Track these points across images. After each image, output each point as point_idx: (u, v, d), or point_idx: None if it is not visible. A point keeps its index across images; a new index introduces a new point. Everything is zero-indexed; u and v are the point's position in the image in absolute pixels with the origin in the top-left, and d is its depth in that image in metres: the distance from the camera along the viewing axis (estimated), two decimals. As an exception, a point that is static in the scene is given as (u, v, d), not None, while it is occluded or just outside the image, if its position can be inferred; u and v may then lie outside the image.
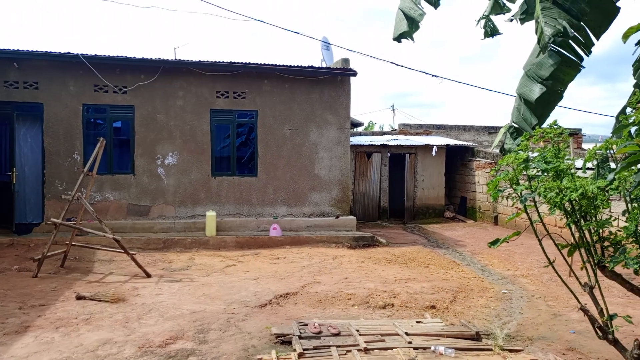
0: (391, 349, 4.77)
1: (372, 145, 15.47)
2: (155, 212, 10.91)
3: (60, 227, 7.65)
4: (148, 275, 7.63)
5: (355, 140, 15.62)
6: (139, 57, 10.57)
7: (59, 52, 10.26)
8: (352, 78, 11.84)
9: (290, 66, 11.22)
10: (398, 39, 3.83)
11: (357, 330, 5.17)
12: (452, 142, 16.43)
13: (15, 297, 6.25)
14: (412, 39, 3.82)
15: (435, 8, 3.70)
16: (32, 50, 10.20)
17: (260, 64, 11.13)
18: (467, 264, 9.24)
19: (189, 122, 11.05)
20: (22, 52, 10.16)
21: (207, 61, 10.94)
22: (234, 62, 11.02)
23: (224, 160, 11.45)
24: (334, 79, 11.68)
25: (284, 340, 5.07)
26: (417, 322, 5.64)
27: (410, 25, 3.70)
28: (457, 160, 16.50)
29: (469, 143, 16.83)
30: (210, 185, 11.16)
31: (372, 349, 4.74)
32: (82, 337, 4.92)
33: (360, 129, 20.76)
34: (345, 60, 11.89)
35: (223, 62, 11.00)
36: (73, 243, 8.11)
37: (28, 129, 10.64)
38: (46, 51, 10.27)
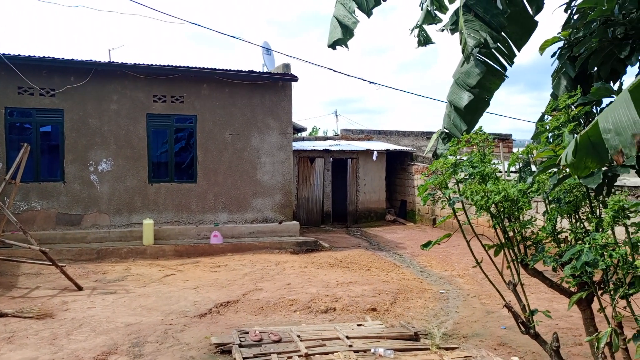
0: (332, 353, 4.80)
1: (315, 150, 15.57)
2: (88, 221, 10.37)
3: (-21, 239, 7.10)
4: (79, 288, 7.24)
5: (298, 145, 15.66)
6: (68, 58, 10.05)
7: (-23, 52, 9.56)
8: (294, 84, 11.88)
9: (230, 70, 11.09)
10: (333, 45, 3.89)
11: (299, 336, 5.16)
12: (392, 147, 16.86)
13: None
14: (347, 46, 3.88)
15: (369, 17, 3.79)
16: (-54, 49, 9.43)
17: (199, 68, 10.91)
18: (407, 265, 9.49)
19: (124, 127, 10.62)
20: None
21: (143, 64, 10.57)
22: (172, 66, 10.73)
23: (161, 166, 11.10)
24: (276, 84, 11.66)
25: (224, 350, 4.98)
26: (358, 325, 5.72)
27: (345, 33, 3.77)
28: (397, 164, 16.96)
29: (408, 148, 17.35)
30: (147, 192, 10.77)
31: (313, 354, 4.75)
32: (2, 358, 4.57)
33: (304, 134, 20.83)
34: (286, 66, 11.91)
35: (160, 65, 10.68)
36: (-6, 256, 7.55)
37: (-58, 134, 9.80)
38: (-38, 50, 9.54)
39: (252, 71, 11.34)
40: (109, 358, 4.71)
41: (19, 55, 9.77)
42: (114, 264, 9.16)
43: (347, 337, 5.15)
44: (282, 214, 11.68)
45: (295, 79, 11.59)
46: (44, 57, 9.94)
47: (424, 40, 4.51)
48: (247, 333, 5.24)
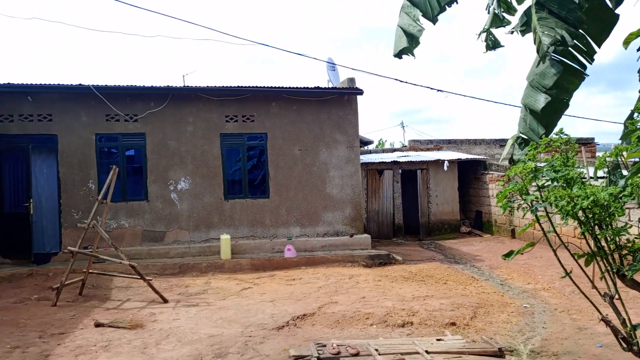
0: (411, 367, 4.70)
1: (383, 162, 15.48)
2: (170, 237, 10.99)
3: (77, 255, 7.74)
4: (165, 301, 7.65)
5: (365, 158, 15.66)
6: (148, 85, 10.81)
7: (71, 85, 10.54)
8: (359, 97, 11.96)
9: (298, 88, 11.37)
10: (399, 55, 3.88)
11: (377, 350, 5.11)
12: (463, 156, 16.38)
13: (35, 326, 6.30)
14: (413, 54, 3.86)
15: (434, 24, 3.76)
16: (45, 84, 10.50)
17: (268, 87, 11.30)
18: (485, 278, 9.11)
19: (199, 147, 11.20)
20: (35, 86, 10.46)
21: (215, 86, 11.13)
22: (242, 87, 11.21)
23: (235, 183, 11.55)
24: (341, 99, 11.79)
25: (302, 362, 5.03)
26: (438, 339, 5.56)
27: (410, 42, 3.76)
28: (470, 174, 16.42)
29: (480, 156, 16.76)
30: (224, 209, 11.24)
31: (392, 368, 4.68)
32: (101, 365, 4.93)
33: (370, 147, 20.80)
34: (351, 80, 12.01)
35: (231, 86, 11.19)
36: (90, 271, 8.18)
37: (43, 160, 10.85)
38: (58, 84, 10.55)
39: (318, 87, 11.55)
40: (194, 367, 4.92)
41: (106, 85, 10.66)
42: (195, 277, 9.60)
43: (427, 352, 5.02)
44: (353, 227, 11.68)
45: (361, 92, 11.66)
46: (127, 85, 10.77)
47: (492, 44, 4.39)
48: (325, 346, 5.26)
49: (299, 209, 11.51)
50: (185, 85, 11.52)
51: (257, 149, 11.70)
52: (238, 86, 11.28)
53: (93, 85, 10.51)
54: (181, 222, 11.05)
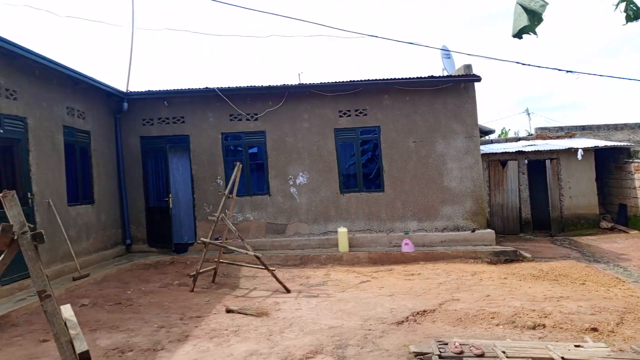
0: (546, 374, 4.30)
1: (506, 152, 14.46)
2: (290, 229, 11.45)
3: (209, 245, 8.41)
4: (288, 291, 7.97)
5: (486, 148, 14.78)
6: (266, 85, 11.34)
7: (199, 88, 11.46)
8: (477, 84, 11.28)
9: (410, 78, 11.08)
10: (518, 35, 3.51)
11: (504, 352, 4.77)
12: (601, 143, 14.65)
13: (176, 309, 6.98)
14: (535, 33, 3.47)
15: None
16: (177, 89, 11.55)
17: (380, 80, 11.17)
18: (634, 280, 8.05)
19: (315, 143, 11.47)
20: (170, 92, 11.56)
21: (328, 82, 11.30)
22: (354, 81, 11.22)
23: (350, 177, 11.64)
24: (457, 87, 11.23)
25: (422, 359, 4.89)
26: (576, 346, 5.02)
27: (532, 19, 3.38)
28: (610, 163, 14.64)
29: (622, 143, 14.85)
30: (340, 202, 11.40)
31: (524, 373, 4.32)
32: (232, 348, 5.27)
33: (492, 137, 19.60)
34: (468, 67, 11.37)
35: (343, 81, 11.26)
36: (221, 260, 8.84)
37: (179, 159, 11.99)
38: (189, 88, 11.53)
39: (432, 76, 11.14)
40: (316, 357, 5.03)
41: (229, 87, 11.40)
42: (315, 269, 9.88)
43: (563, 359, 4.56)
44: (475, 222, 11.09)
45: (478, 78, 10.98)
46: (247, 86, 11.41)
47: (634, 14, 3.79)
48: (447, 344, 5.05)
49: (415, 203, 11.23)
50: (300, 83, 11.85)
51: (370, 142, 11.66)
52: (350, 81, 11.32)
53: (218, 87, 11.32)
54: (301, 215, 11.45)
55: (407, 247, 10.40)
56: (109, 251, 10.82)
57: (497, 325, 6.03)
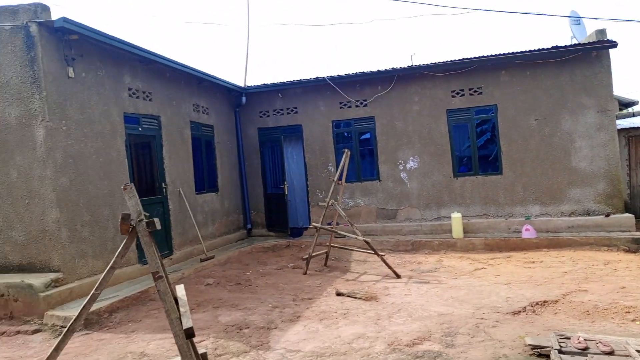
0: (691, 379, 3.75)
1: (650, 126, 12.62)
2: (401, 215, 11.34)
3: (320, 230, 8.70)
4: (398, 276, 7.95)
5: (626, 122, 13.04)
6: (374, 70, 11.25)
7: (310, 79, 11.78)
8: (613, 51, 9.98)
9: (530, 51, 10.16)
10: None
11: (638, 351, 4.25)
12: None
13: (290, 290, 7.37)
14: None
15: None
16: (290, 81, 12.00)
17: (496, 55, 10.43)
18: None
19: (426, 126, 11.15)
20: (283, 84, 12.07)
21: (439, 62, 10.85)
22: (467, 59, 10.63)
23: (464, 160, 11.13)
24: (588, 56, 10.04)
25: (540, 353, 4.56)
26: None
27: None
28: None
29: None
30: (453, 187, 10.98)
31: (662, 376, 3.82)
32: (340, 330, 5.44)
33: (635, 109, 17.23)
34: (601, 32, 10.08)
35: (455, 60, 10.73)
36: (333, 245, 9.11)
37: (293, 148, 12.53)
38: (300, 79, 11.91)
39: (556, 46, 10.10)
40: (423, 343, 4.97)
41: (338, 75, 11.55)
42: (427, 255, 9.70)
43: None
44: (609, 205, 9.93)
45: (613, 44, 9.69)
46: (356, 73, 11.44)
47: None
48: (569, 339, 4.64)
49: (538, 186, 10.38)
50: (409, 65, 11.56)
51: (486, 122, 11.02)
52: (463, 59, 10.74)
53: (327, 76, 11.54)
54: (412, 200, 11.27)
55: (527, 233, 9.69)
56: (232, 235, 11.76)
57: (632, 320, 5.39)
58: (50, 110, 6.81)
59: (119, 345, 5.22)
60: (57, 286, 6.47)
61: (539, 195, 10.37)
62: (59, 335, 5.66)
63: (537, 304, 6.11)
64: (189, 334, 2.11)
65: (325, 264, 9.05)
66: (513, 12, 10.94)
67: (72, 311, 6.02)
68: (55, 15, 6.93)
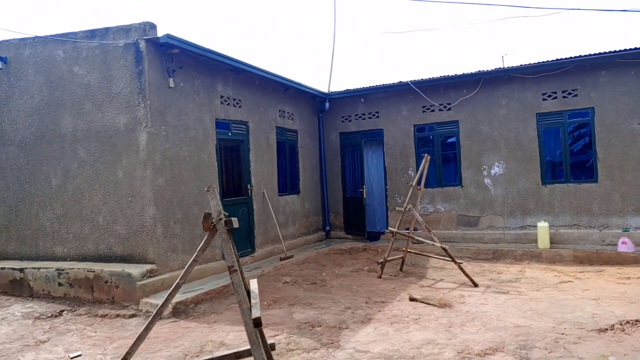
0: None
1: None
2: (484, 222, 10.99)
3: (397, 235, 8.73)
4: (475, 285, 7.77)
5: None
6: (459, 73, 11.02)
7: (393, 83, 11.81)
8: None
9: (636, 49, 9.36)
10: None
11: None
12: None
13: (363, 293, 7.51)
14: None
15: None
16: (373, 86, 12.13)
17: (595, 54, 9.74)
18: None
19: (513, 130, 10.70)
20: (366, 89, 12.23)
21: (529, 64, 10.37)
22: (561, 59, 10.04)
23: (555, 167, 10.51)
24: None
25: (624, 375, 4.28)
26: None
27: None
28: None
29: None
30: (541, 194, 10.42)
31: None
32: (410, 335, 5.48)
33: None
34: None
35: (547, 61, 10.19)
36: (409, 250, 9.10)
37: (373, 152, 12.64)
38: (383, 84, 11.99)
39: (666, 43, 9.21)
40: (495, 354, 4.87)
41: (421, 79, 11.47)
42: (508, 265, 9.33)
43: None
44: None
45: None
46: (440, 77, 11.28)
47: None
48: (659, 362, 4.31)
49: (639, 196, 9.53)
50: (498, 67, 11.16)
51: (581, 126, 10.31)
52: (557, 59, 10.16)
53: (410, 81, 11.51)
54: (495, 208, 10.88)
55: (624, 247, 8.93)
56: (311, 236, 12.14)
57: None
58: (153, 117, 7.59)
59: (202, 333, 5.71)
60: (151, 276, 7.19)
61: (640, 205, 9.52)
62: (153, 319, 6.32)
63: (627, 322, 5.68)
64: (257, 323, 2.35)
65: (400, 269, 9.06)
66: (607, 10, 10.14)
67: (161, 300, 6.68)
68: (161, 32, 7.71)
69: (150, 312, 6.51)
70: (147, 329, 2.88)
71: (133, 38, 7.60)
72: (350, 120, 12.77)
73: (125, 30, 7.69)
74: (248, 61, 9.34)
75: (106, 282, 7.21)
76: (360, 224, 12.28)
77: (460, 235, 11.06)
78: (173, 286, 2.84)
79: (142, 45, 7.51)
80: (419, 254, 9.29)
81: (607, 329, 5.52)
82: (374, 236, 12.20)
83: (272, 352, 2.98)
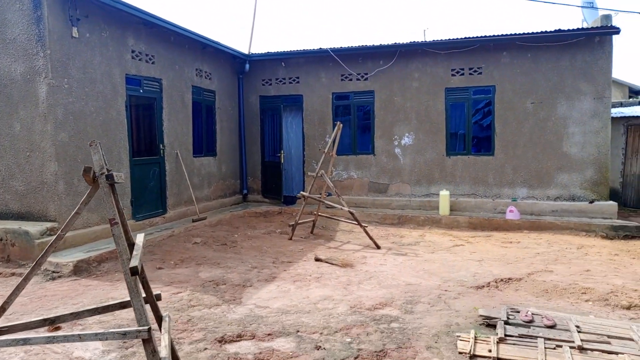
0: (615, 353, 4.08)
1: (651, 116, 12.62)
2: (392, 189, 11.63)
3: (309, 199, 9.03)
4: (378, 247, 8.30)
5: (628, 111, 13.05)
6: (377, 44, 11.33)
7: (313, 49, 11.89)
8: (621, 38, 9.94)
9: (533, 33, 10.16)
10: None
11: (577, 327, 4.57)
12: None
13: (272, 253, 7.77)
14: None
15: None
16: (294, 51, 12.13)
17: (498, 35, 10.45)
18: None
19: (424, 103, 11.29)
20: (287, 53, 12.20)
21: (441, 40, 10.90)
22: (470, 37, 10.67)
23: (458, 139, 11.30)
24: (590, 41, 10.03)
25: (489, 324, 4.90)
26: (668, 330, 4.59)
27: None
28: None
29: None
30: (445, 165, 11.20)
31: (590, 350, 4.15)
32: (309, 291, 5.83)
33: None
34: (606, 17, 10.04)
35: (458, 38, 10.77)
36: (320, 214, 9.46)
37: (293, 118, 12.76)
38: (303, 50, 12.04)
39: (559, 30, 10.08)
40: (384, 308, 5.34)
41: (341, 47, 11.65)
42: (411, 229, 10.02)
43: (644, 341, 4.24)
44: (595, 192, 10.11)
45: (616, 30, 9.67)
46: (358, 46, 11.53)
47: None
48: (518, 312, 4.98)
49: (528, 169, 10.56)
50: (412, 41, 11.59)
51: (483, 102, 11.11)
52: (465, 37, 10.78)
53: (330, 48, 11.65)
54: (403, 176, 11.53)
55: (511, 214, 9.94)
56: (227, 199, 12.17)
57: (586, 301, 5.70)
58: (54, 68, 7.12)
59: (103, 291, 5.67)
60: (51, 234, 6.92)
61: (528, 178, 10.57)
62: (50, 279, 6.14)
63: (501, 280, 6.43)
64: (134, 271, 2.45)
65: (311, 232, 9.42)
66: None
67: (63, 258, 6.50)
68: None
69: (48, 270, 6.31)
70: (26, 279, 2.87)
71: (30, -20, 7.00)
72: (270, 84, 12.73)
73: (20, -30, 7.04)
74: (163, 16, 8.96)
75: (0, 240, 6.84)
76: (277, 188, 12.48)
77: (370, 201, 11.64)
78: (55, 236, 2.84)
79: (41, -12, 6.94)
80: (330, 217, 9.69)
81: (483, 286, 6.23)
82: (291, 200, 12.48)
83: (159, 302, 3.10)
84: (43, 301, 5.35)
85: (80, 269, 6.45)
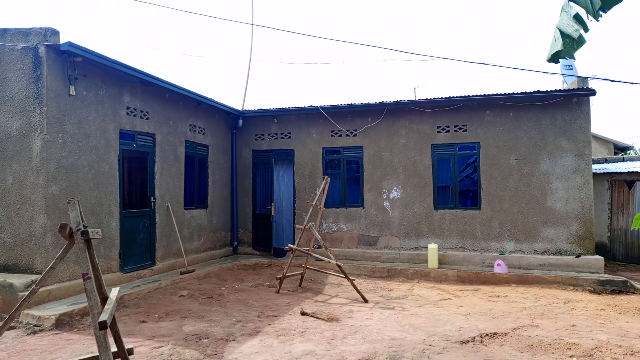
0: (594, 411, 4.05)
1: (635, 172, 12.95)
2: (382, 242, 11.70)
3: (297, 252, 9.08)
4: (365, 301, 8.27)
5: (611, 167, 13.40)
6: (365, 102, 11.79)
7: (305, 107, 12.33)
8: (602, 98, 10.41)
9: (514, 94, 10.64)
10: (553, 59, 3.46)
11: (558, 383, 4.55)
12: None
13: (258, 307, 7.73)
14: (573, 57, 3.40)
15: (597, 20, 3.21)
16: (286, 108, 12.57)
17: (481, 95, 10.92)
18: None
19: (411, 158, 11.59)
20: (279, 110, 12.64)
21: (427, 99, 11.36)
22: (454, 97, 11.13)
23: (445, 194, 11.51)
24: (568, 102, 10.50)
25: (471, 380, 4.87)
26: (648, 387, 4.58)
27: (570, 43, 3.31)
28: None
29: None
30: (433, 218, 11.34)
31: (570, 407, 4.12)
32: (292, 346, 5.78)
33: (632, 154, 17.55)
34: (582, 80, 10.57)
35: (443, 97, 11.24)
36: (308, 267, 9.47)
37: (284, 171, 13.01)
38: (295, 107, 12.48)
39: (538, 91, 10.57)
40: (366, 364, 5.30)
41: (331, 105, 12.09)
42: (400, 283, 10.00)
43: (624, 398, 4.22)
44: (580, 247, 10.22)
45: (592, 92, 10.15)
46: (348, 104, 11.98)
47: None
48: (500, 368, 4.96)
49: (514, 223, 10.71)
50: (399, 100, 12.07)
51: (468, 158, 11.42)
52: (450, 97, 11.25)
53: (320, 106, 12.09)
54: (392, 229, 11.64)
55: (499, 268, 9.98)
56: (217, 251, 12.17)
57: (570, 357, 5.67)
58: (49, 124, 7.37)
59: (83, 345, 5.61)
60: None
61: (515, 232, 10.69)
62: (32, 332, 6.08)
63: (487, 335, 6.41)
64: (102, 326, 2.51)
65: (299, 285, 9.39)
66: (477, 63, 11.44)
67: (45, 311, 6.45)
68: (65, 39, 7.56)
69: (30, 324, 6.25)
70: None
71: (33, 42, 7.40)
72: (263, 139, 13.08)
73: (24, 33, 7.46)
74: (160, 75, 9.36)
75: (-16, 293, 6.81)
76: (268, 241, 12.51)
77: (360, 254, 11.67)
78: (29, 292, 2.91)
79: (42, 50, 7.32)
80: (319, 270, 9.70)
81: (468, 341, 6.19)
82: (281, 253, 12.48)
83: (140, 357, 3.12)
84: (21, 356, 5.28)
85: (62, 323, 6.39)
